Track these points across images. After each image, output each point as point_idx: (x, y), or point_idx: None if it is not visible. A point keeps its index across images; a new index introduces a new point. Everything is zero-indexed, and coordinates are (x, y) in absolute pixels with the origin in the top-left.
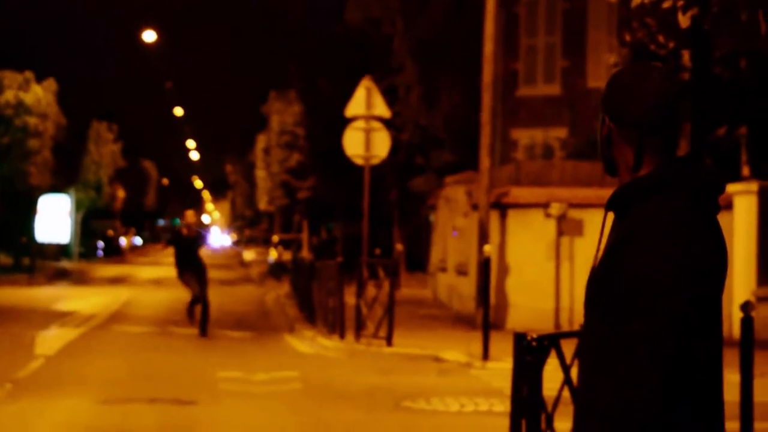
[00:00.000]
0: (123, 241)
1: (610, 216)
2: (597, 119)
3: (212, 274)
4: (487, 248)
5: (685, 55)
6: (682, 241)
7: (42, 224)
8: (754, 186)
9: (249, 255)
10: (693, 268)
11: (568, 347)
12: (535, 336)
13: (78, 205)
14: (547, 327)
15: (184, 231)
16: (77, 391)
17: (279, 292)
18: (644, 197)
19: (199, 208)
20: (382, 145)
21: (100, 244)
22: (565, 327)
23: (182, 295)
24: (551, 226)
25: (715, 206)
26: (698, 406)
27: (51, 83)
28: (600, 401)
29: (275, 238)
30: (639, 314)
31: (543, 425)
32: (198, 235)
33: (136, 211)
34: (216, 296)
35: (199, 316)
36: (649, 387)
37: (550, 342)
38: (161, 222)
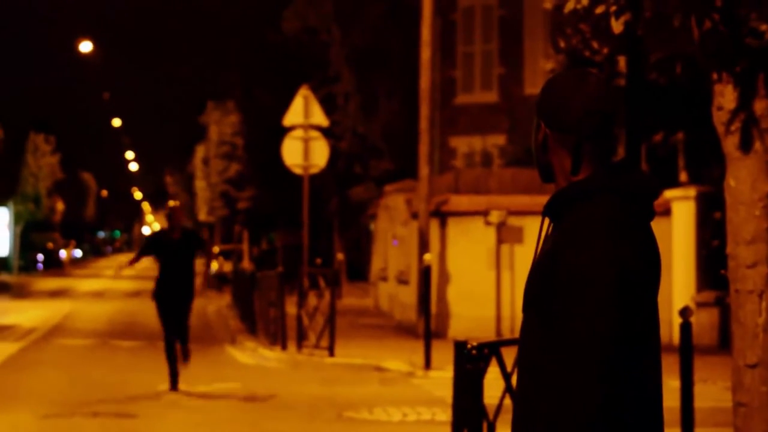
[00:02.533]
0: (63, 253)
1: (548, 221)
2: (532, 125)
3: (152, 285)
4: (427, 257)
5: (620, 61)
6: (616, 245)
7: None
8: (692, 191)
9: None
10: (627, 271)
11: (509, 355)
12: (475, 344)
13: (17, 218)
14: (489, 335)
15: (172, 233)
16: (18, 405)
17: (220, 303)
18: (579, 202)
19: (140, 219)
20: (320, 154)
21: (40, 256)
22: (507, 335)
23: (124, 306)
24: (491, 233)
25: (650, 212)
26: (637, 411)
27: None
28: (539, 406)
29: (216, 248)
30: (575, 318)
31: None
32: (189, 237)
33: (76, 224)
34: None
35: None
36: (586, 391)
37: (490, 350)
38: (101, 234)
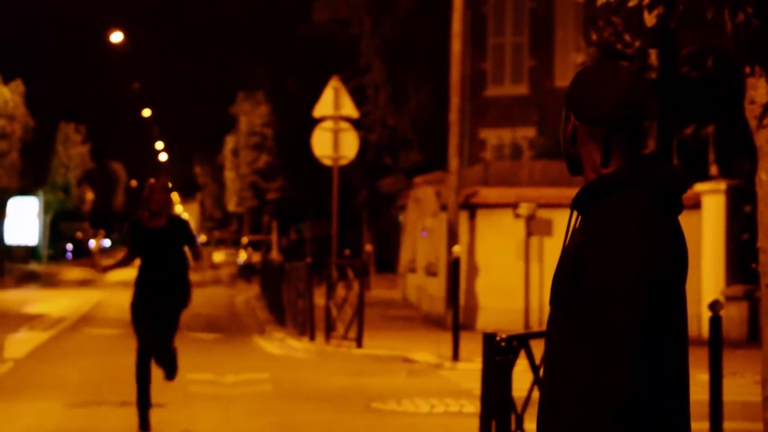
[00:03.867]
0: (92, 243)
1: (576, 215)
2: (561, 117)
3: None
4: (456, 249)
5: (652, 54)
6: (644, 238)
7: (10, 226)
8: (722, 185)
9: (218, 256)
10: (654, 264)
11: (538, 347)
12: (504, 336)
13: (46, 207)
14: (517, 327)
15: (153, 220)
16: (46, 394)
17: (249, 293)
18: (609, 194)
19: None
20: (350, 145)
21: (69, 246)
22: (535, 327)
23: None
24: (520, 226)
25: (678, 205)
26: (664, 401)
27: (18, 84)
28: (566, 398)
29: (244, 239)
30: (603, 311)
31: (513, 426)
32: (177, 227)
33: (105, 213)
34: None
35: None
36: (617, 382)
37: (519, 342)
38: None
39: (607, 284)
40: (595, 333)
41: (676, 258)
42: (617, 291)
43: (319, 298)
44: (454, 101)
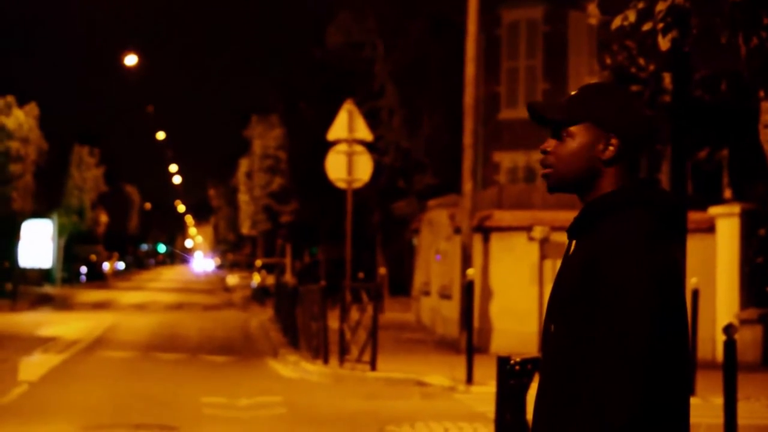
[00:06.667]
0: (106, 266)
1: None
2: (575, 134)
3: (195, 298)
4: (470, 272)
5: (666, 78)
6: (658, 251)
7: (24, 249)
8: (736, 208)
9: (232, 279)
10: (669, 277)
11: None
12: (518, 360)
13: (60, 230)
14: (531, 351)
15: None
16: (60, 417)
17: (262, 316)
18: (611, 214)
19: (183, 232)
20: (364, 168)
21: (83, 269)
22: None
23: (167, 318)
24: (534, 249)
25: (681, 227)
26: (674, 409)
27: (33, 108)
28: (576, 411)
29: (258, 262)
30: (619, 324)
31: None
32: None
33: (119, 236)
34: (199, 321)
35: None
36: (631, 393)
37: (533, 365)
38: (144, 247)
39: (623, 298)
40: (610, 345)
41: (681, 275)
42: (634, 304)
43: (333, 321)
44: (468, 124)
